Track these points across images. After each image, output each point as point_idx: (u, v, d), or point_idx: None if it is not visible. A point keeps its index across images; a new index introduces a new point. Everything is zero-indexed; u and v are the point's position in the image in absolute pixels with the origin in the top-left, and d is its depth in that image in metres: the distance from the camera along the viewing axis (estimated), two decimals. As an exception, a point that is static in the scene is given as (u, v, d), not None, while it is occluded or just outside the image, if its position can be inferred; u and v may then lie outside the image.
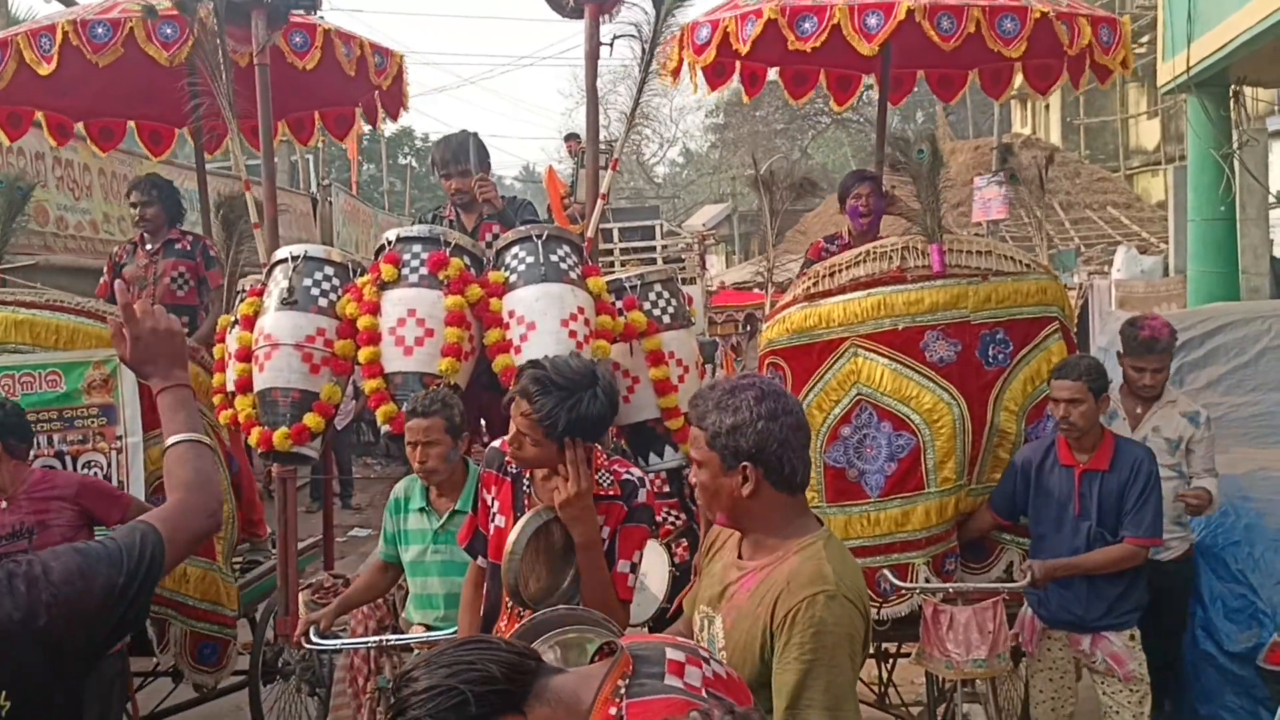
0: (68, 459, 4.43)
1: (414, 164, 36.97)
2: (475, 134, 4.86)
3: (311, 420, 3.70)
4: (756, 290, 13.29)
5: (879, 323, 4.05)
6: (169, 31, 4.45)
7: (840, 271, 4.20)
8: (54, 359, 4.42)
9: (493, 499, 2.99)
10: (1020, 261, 4.19)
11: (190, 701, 5.34)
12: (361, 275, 3.88)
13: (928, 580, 3.95)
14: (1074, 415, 3.77)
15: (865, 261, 4.17)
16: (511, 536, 2.73)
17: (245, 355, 3.88)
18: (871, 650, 4.75)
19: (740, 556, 2.24)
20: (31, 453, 4.33)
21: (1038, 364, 4.10)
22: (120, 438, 4.47)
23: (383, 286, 3.80)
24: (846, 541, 4.05)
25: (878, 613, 4.00)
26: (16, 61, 4.68)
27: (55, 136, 5.97)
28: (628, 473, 2.91)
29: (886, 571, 3.96)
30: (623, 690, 1.42)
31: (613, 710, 1.40)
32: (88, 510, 3.93)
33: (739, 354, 12.79)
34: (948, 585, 3.92)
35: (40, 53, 4.62)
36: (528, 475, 2.94)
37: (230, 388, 3.99)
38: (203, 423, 4.30)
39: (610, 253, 10.42)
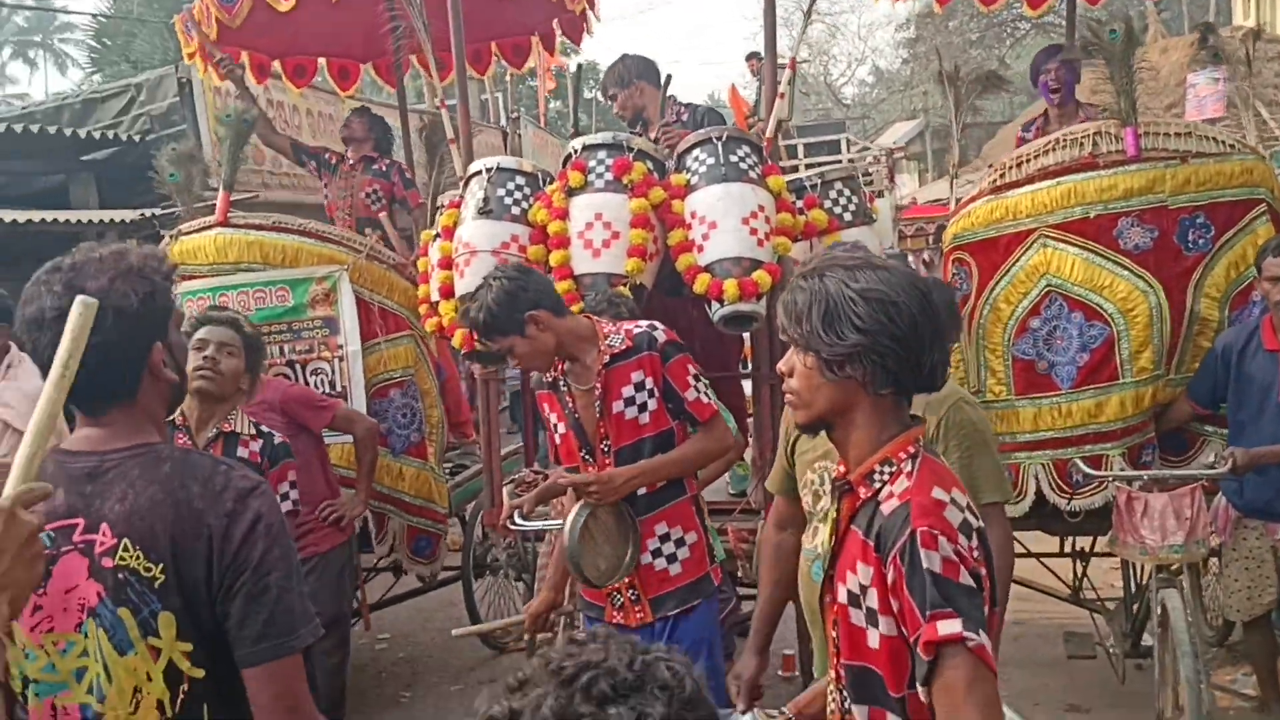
0: (297, 367, 4.86)
1: (599, 98, 37.31)
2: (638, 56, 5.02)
3: (509, 321, 3.92)
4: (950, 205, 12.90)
5: (1069, 212, 3.95)
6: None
7: (1028, 161, 4.12)
8: (282, 276, 4.84)
9: (549, 412, 3.36)
10: (1223, 142, 3.99)
11: (410, 593, 5.82)
12: (550, 184, 4.06)
13: (1122, 470, 3.88)
14: None
15: (1055, 149, 4.07)
16: (564, 540, 3.05)
17: (447, 264, 4.14)
18: (1065, 548, 4.71)
19: None
20: (266, 363, 4.78)
21: (1242, 248, 3.92)
22: (341, 347, 4.87)
23: (570, 193, 3.97)
24: (1036, 434, 4.04)
25: (1069, 503, 3.97)
26: (252, 2, 5.03)
27: (256, 75, 6.40)
28: (635, 326, 3.23)
29: (1079, 461, 3.91)
30: None
31: None
32: (293, 417, 4.23)
33: (930, 268, 12.53)
34: (1142, 473, 3.84)
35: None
36: (563, 379, 3.26)
37: (435, 296, 4.26)
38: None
39: (795, 169, 10.34)
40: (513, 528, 3.79)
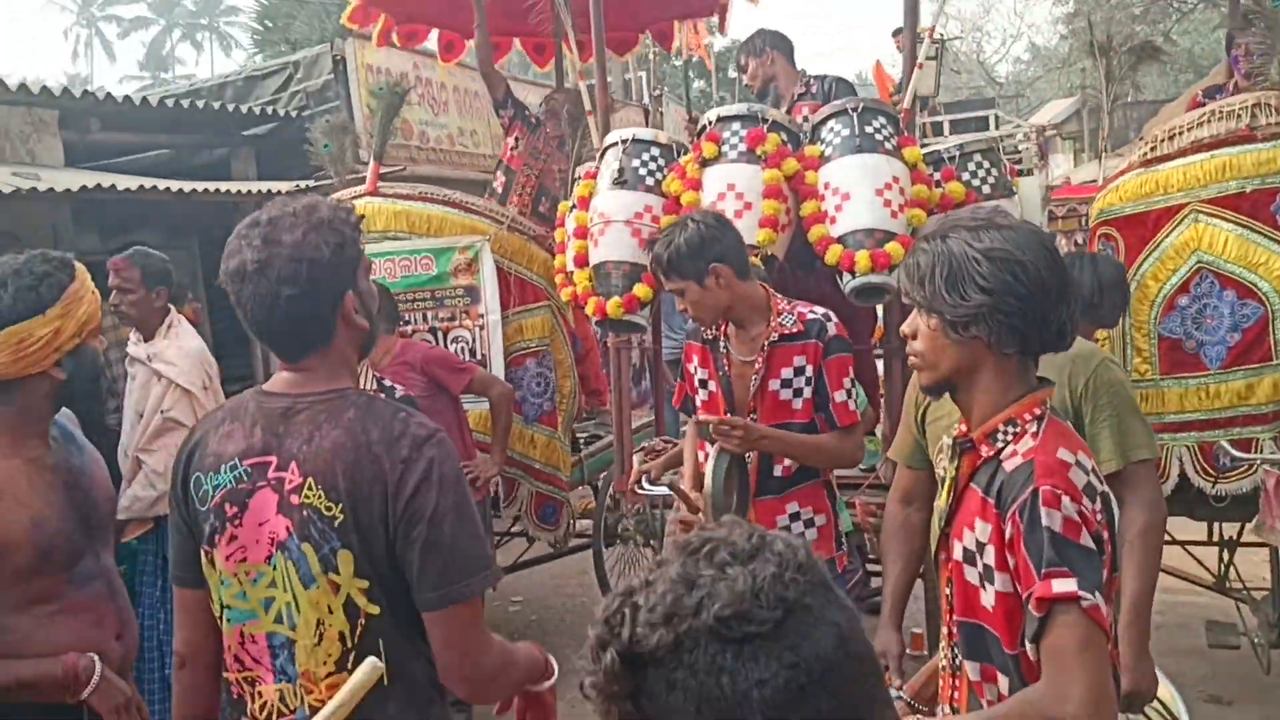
0: (439, 334, 5.04)
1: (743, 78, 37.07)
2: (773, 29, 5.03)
3: (641, 290, 3.99)
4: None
5: (1224, 186, 3.79)
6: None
7: (1181, 134, 3.96)
8: (427, 245, 5.02)
9: (696, 367, 3.36)
10: (1398, 112, 3.76)
11: (543, 558, 5.98)
12: (685, 155, 4.11)
13: (1272, 453, 3.71)
14: None
15: (1209, 122, 3.90)
16: (707, 481, 3.06)
17: (582, 233, 4.23)
18: (1213, 538, 4.54)
19: None
20: (410, 329, 4.98)
21: None
22: (482, 315, 5.03)
23: (704, 164, 4.01)
24: (1182, 415, 3.91)
25: (1214, 487, 3.83)
26: None
27: (403, 41, 6.59)
28: (810, 311, 3.21)
29: (1225, 444, 3.76)
30: None
31: None
32: (433, 378, 4.41)
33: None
34: (1294, 457, 3.67)
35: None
36: (723, 339, 3.27)
37: (570, 266, 4.36)
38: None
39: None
40: (640, 492, 3.86)
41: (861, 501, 4.11)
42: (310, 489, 1.79)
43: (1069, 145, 25.39)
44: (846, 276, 3.80)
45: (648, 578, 0.97)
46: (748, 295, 3.21)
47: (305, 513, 1.79)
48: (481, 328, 5.03)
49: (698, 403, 3.39)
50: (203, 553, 1.89)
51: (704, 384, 3.35)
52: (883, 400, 4.55)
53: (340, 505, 1.78)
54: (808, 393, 3.21)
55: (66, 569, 2.24)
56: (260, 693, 1.86)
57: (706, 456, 3.21)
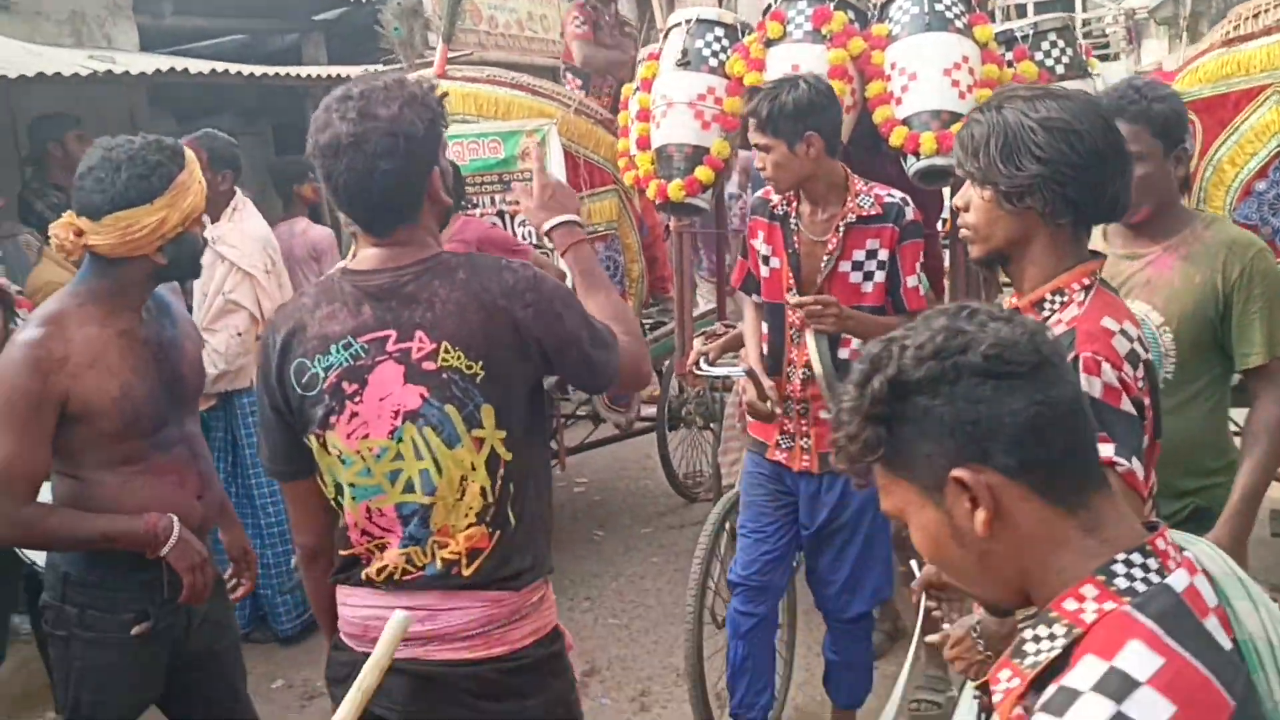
0: (506, 217, 5.09)
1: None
2: None
3: (702, 173, 3.99)
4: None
5: (1310, 65, 3.65)
6: None
7: (1266, 12, 3.81)
8: (495, 128, 5.02)
9: (762, 243, 3.32)
10: None
11: (607, 439, 6.12)
12: (749, 35, 4.05)
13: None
14: None
15: (1299, -3, 3.74)
16: (819, 368, 3.10)
17: (645, 116, 4.21)
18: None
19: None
20: (478, 212, 5.03)
21: None
22: (549, 199, 5.05)
23: (768, 44, 3.95)
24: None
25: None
26: None
27: None
28: (888, 195, 3.18)
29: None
30: None
31: None
32: None
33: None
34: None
35: None
36: (794, 215, 3.23)
37: (633, 150, 4.35)
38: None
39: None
40: (698, 373, 3.92)
41: None
42: (447, 352, 1.86)
43: (1164, 30, 24.24)
44: (911, 159, 3.75)
45: (905, 332, 1.16)
46: (830, 172, 3.19)
47: (445, 375, 1.87)
48: (548, 211, 5.06)
49: (762, 283, 3.38)
50: (313, 438, 1.94)
51: (766, 260, 3.33)
52: (947, 287, 4.54)
53: (480, 362, 1.87)
54: (879, 276, 3.20)
55: (151, 434, 2.38)
56: (382, 557, 1.95)
57: (785, 344, 3.26)
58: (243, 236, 4.30)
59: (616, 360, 2.01)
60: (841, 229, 3.18)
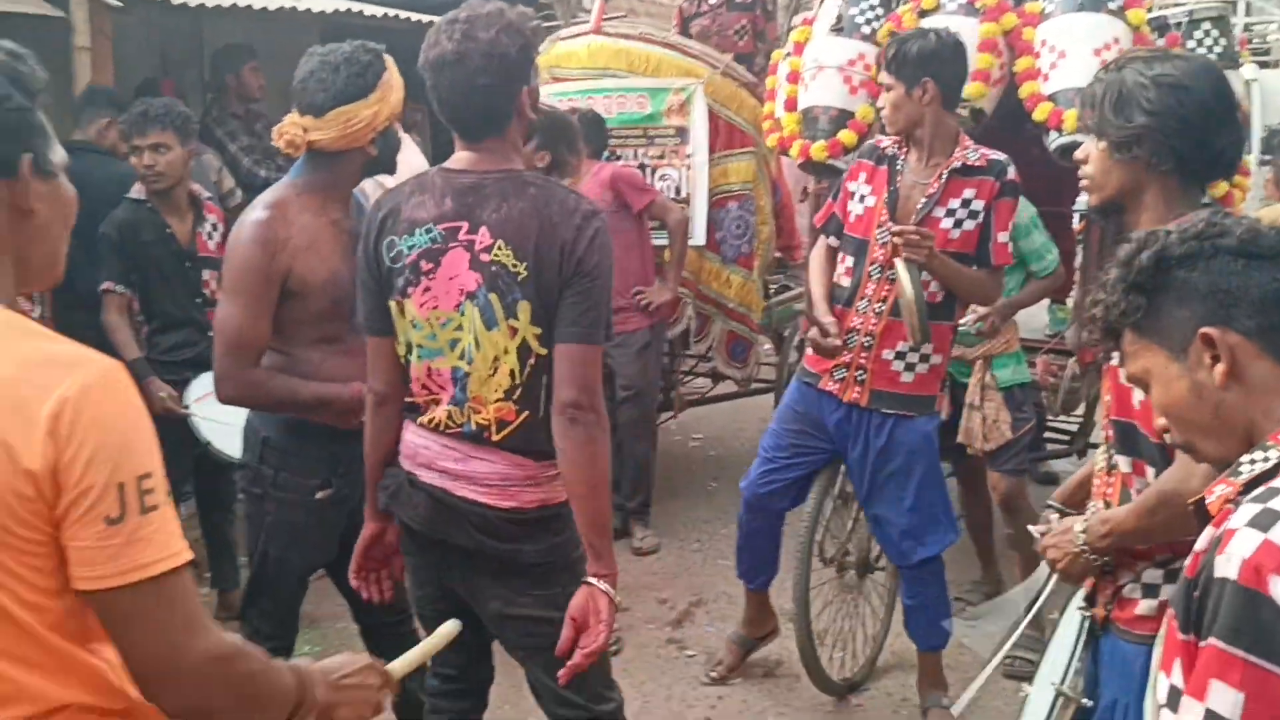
0: (648, 170, 5.32)
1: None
2: None
3: (846, 136, 4.14)
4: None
5: None
6: None
7: None
8: (643, 84, 5.25)
9: (861, 183, 3.45)
10: None
11: (725, 396, 6.32)
12: (903, 4, 4.18)
13: None
14: None
15: None
16: (909, 294, 3.15)
17: (794, 78, 4.38)
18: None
19: None
20: (621, 163, 5.25)
21: None
22: (690, 156, 5.27)
23: (922, 14, 4.07)
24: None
25: None
26: None
27: None
28: (995, 154, 3.32)
29: None
30: None
31: None
32: (618, 194, 4.69)
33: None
34: None
35: None
36: (902, 158, 3.38)
37: (779, 111, 4.52)
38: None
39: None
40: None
41: (1044, 360, 4.24)
42: (500, 249, 2.17)
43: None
44: (1053, 134, 3.85)
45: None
46: (940, 122, 3.32)
47: (494, 268, 2.17)
48: (688, 167, 5.28)
49: (851, 219, 3.47)
50: (394, 303, 2.28)
51: (862, 198, 3.44)
52: (1078, 267, 4.60)
53: (525, 264, 2.15)
54: (968, 225, 3.32)
55: (350, 317, 2.66)
56: (434, 411, 2.29)
57: (863, 279, 3.37)
58: (406, 167, 4.59)
59: (598, 338, 2.18)
60: (945, 175, 3.32)
